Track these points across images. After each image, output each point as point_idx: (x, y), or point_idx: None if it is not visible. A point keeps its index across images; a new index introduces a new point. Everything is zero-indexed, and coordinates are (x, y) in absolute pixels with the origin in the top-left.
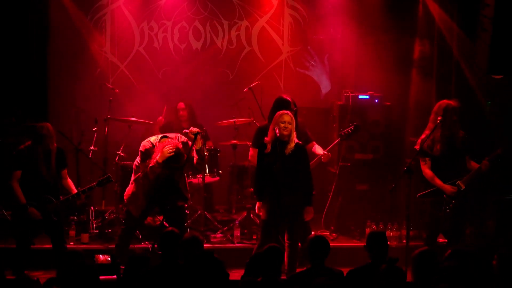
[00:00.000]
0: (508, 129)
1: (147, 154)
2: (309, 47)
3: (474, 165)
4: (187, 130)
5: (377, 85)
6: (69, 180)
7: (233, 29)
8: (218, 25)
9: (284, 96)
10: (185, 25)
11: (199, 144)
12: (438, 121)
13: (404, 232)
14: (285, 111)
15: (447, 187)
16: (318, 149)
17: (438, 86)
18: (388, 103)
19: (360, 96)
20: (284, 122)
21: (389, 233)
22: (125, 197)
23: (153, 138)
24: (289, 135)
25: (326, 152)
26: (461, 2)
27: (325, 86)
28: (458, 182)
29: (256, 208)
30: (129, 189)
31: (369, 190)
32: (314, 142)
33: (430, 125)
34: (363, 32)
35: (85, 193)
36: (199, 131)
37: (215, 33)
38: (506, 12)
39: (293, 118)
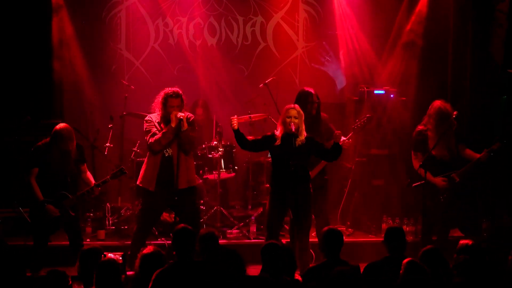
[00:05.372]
0: None
1: (152, 123)
2: (324, 43)
3: (469, 152)
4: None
5: (392, 80)
6: (88, 173)
7: (248, 25)
8: (233, 21)
9: (306, 88)
10: (200, 21)
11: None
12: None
13: (420, 227)
14: (291, 105)
15: (438, 180)
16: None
17: (453, 80)
18: (404, 98)
19: (376, 91)
20: (291, 116)
21: (405, 228)
22: (139, 180)
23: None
24: (297, 128)
25: (346, 139)
26: None
27: (340, 81)
28: (453, 175)
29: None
30: (142, 169)
31: (385, 185)
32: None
33: (428, 124)
34: (379, 27)
35: (100, 187)
36: (182, 117)
37: (230, 29)
38: None
39: (301, 112)
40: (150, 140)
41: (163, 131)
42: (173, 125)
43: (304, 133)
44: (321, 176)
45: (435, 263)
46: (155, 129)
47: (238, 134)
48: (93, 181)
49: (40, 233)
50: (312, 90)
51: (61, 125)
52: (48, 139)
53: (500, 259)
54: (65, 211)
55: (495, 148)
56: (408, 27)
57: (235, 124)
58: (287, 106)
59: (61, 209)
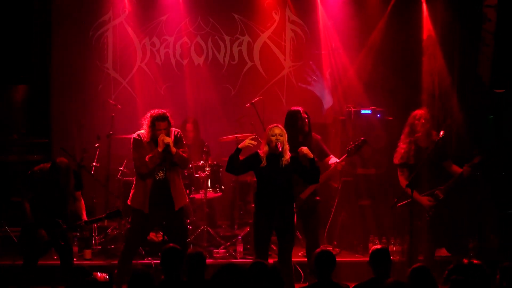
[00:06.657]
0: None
1: (140, 143)
2: (311, 62)
3: (456, 169)
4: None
5: (379, 99)
6: (82, 203)
7: (235, 44)
8: (220, 40)
9: (293, 108)
10: (187, 40)
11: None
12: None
13: (406, 247)
14: (275, 124)
15: (424, 200)
16: (333, 160)
17: (441, 100)
18: (390, 118)
19: (362, 111)
20: (275, 134)
21: (392, 248)
22: (129, 201)
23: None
24: (282, 147)
25: (340, 161)
26: (463, 18)
27: (327, 101)
28: (437, 192)
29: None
30: (132, 191)
31: (372, 205)
32: (331, 156)
33: (403, 137)
34: (365, 47)
35: (92, 223)
36: (169, 142)
37: (217, 48)
38: (507, 26)
39: (284, 130)
40: (137, 164)
41: (150, 155)
42: (160, 149)
43: (288, 153)
44: (313, 197)
45: (424, 282)
46: (144, 151)
47: (237, 154)
48: (84, 212)
49: (29, 255)
50: (299, 108)
51: (61, 159)
52: (44, 165)
53: (488, 278)
54: (55, 238)
55: (476, 162)
56: (425, 55)
57: (248, 144)
58: (270, 126)
59: (51, 236)
